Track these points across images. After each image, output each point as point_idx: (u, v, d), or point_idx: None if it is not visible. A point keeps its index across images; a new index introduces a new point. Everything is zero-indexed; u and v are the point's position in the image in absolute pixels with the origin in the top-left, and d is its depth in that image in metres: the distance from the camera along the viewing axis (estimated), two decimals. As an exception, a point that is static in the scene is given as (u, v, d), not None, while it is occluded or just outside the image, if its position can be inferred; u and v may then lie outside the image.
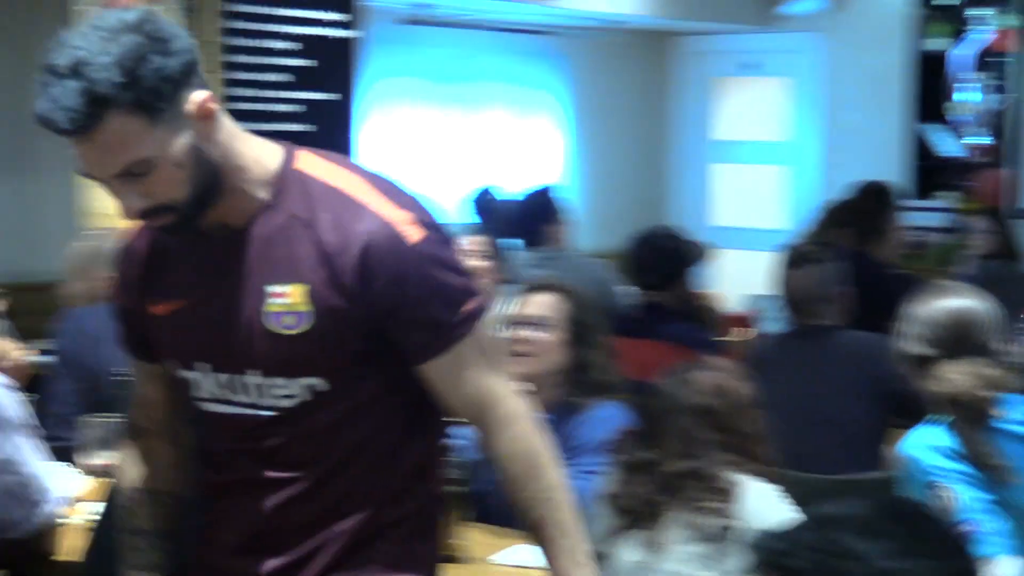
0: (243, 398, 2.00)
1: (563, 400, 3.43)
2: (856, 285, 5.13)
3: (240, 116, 4.88)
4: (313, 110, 5.27)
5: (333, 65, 5.33)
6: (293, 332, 1.94)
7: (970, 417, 2.92)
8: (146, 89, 1.80)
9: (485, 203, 7.26)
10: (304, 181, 1.98)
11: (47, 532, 3.02)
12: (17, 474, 3.00)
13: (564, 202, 6.14)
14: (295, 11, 5.23)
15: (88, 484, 3.47)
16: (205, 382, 2.02)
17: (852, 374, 4.12)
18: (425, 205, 2.00)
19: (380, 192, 1.98)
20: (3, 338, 3.44)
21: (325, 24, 5.31)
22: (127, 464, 2.18)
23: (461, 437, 2.35)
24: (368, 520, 2.02)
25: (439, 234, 1.98)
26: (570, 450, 3.08)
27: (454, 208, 7.53)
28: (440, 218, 2.01)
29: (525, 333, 3.52)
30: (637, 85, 9.44)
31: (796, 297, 4.36)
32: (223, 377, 2.00)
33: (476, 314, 2.00)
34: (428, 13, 7.72)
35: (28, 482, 3.02)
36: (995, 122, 8.29)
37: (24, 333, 5.73)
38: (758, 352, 4.51)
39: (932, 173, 8.46)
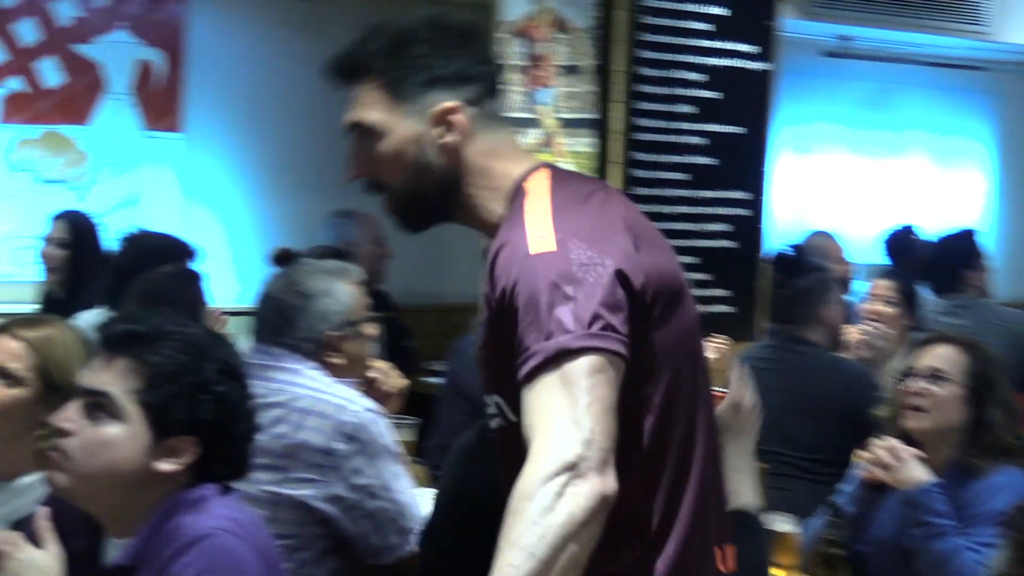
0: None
1: (958, 461, 3.22)
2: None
3: (646, 147, 4.97)
4: (721, 143, 5.19)
5: (744, 98, 5.24)
6: (478, 345, 1.97)
7: None
8: (398, 70, 1.96)
9: (900, 243, 6.99)
10: (520, 197, 1.91)
11: (413, 559, 3.06)
12: (390, 501, 3.05)
13: (985, 247, 5.80)
14: (708, 42, 5.17)
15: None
16: None
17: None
18: (593, 231, 1.82)
19: (550, 206, 1.86)
20: (382, 362, 3.51)
21: (739, 55, 5.23)
22: None
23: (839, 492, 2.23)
24: None
25: (573, 257, 1.76)
26: (965, 519, 2.90)
27: (869, 248, 7.31)
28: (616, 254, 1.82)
29: (920, 385, 3.34)
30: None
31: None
32: None
33: (558, 354, 1.69)
34: (848, 46, 7.54)
35: (401, 510, 3.07)
36: None
37: (426, 355, 5.96)
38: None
39: None
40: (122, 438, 2.15)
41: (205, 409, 2.19)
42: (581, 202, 1.87)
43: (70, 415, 2.17)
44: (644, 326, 1.82)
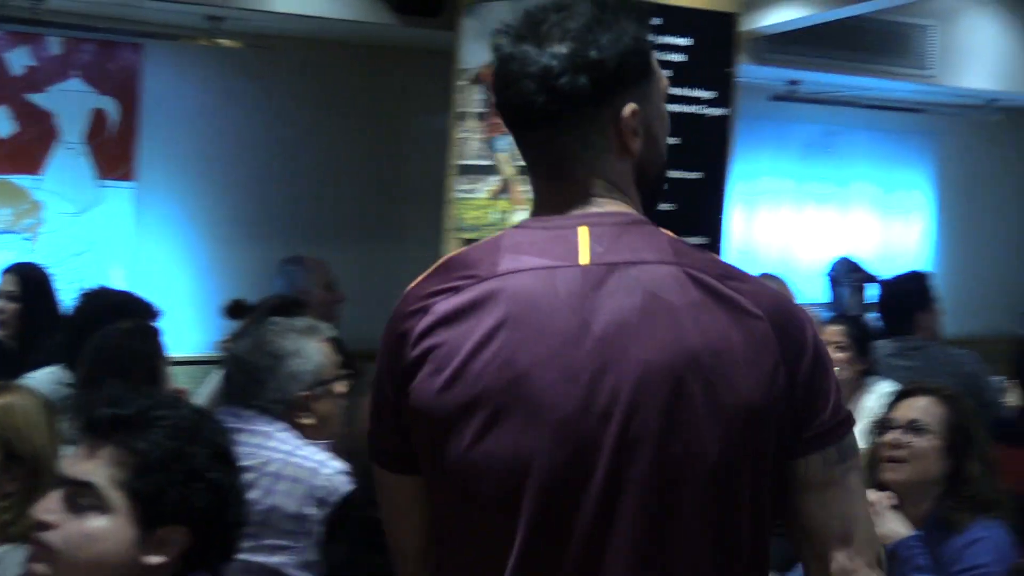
0: None
1: (938, 515, 3.19)
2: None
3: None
4: (679, 189, 5.18)
5: (702, 143, 5.24)
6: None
7: None
8: None
9: (841, 273, 7.02)
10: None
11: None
12: None
13: (935, 288, 5.81)
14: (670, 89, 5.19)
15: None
16: None
17: None
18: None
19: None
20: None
21: (697, 101, 5.23)
22: None
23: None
24: None
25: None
26: (948, 575, 2.88)
27: (816, 288, 7.34)
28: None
29: (898, 437, 3.30)
30: (1013, 165, 9.03)
31: None
32: None
33: None
34: (795, 90, 7.60)
35: None
36: None
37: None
38: None
39: None
40: (108, 531, 2.02)
41: (197, 497, 2.06)
42: None
43: (51, 506, 2.04)
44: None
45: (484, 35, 5.18)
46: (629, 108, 1.80)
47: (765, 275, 6.53)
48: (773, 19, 6.39)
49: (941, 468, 3.26)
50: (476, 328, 1.73)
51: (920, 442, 3.28)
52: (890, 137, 8.47)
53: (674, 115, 5.14)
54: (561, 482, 1.69)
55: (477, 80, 5.21)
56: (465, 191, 5.26)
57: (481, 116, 5.20)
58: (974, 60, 7.83)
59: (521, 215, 4.95)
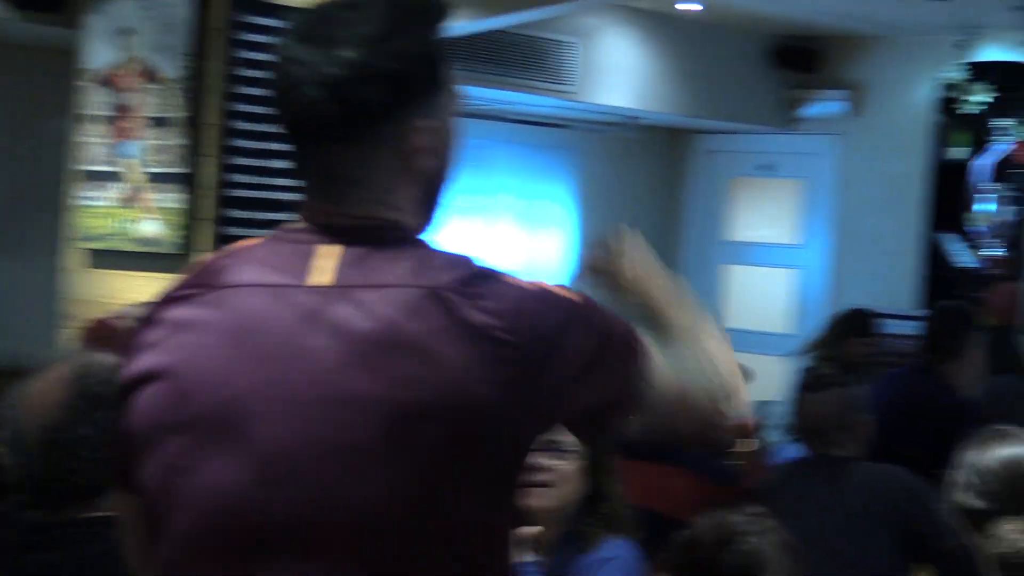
0: None
1: (569, 532, 3.10)
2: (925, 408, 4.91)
3: (238, 204, 4.76)
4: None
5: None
6: None
7: None
8: None
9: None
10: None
11: None
12: None
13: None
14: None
15: None
16: None
17: (869, 510, 3.82)
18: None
19: None
20: None
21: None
22: None
23: None
24: None
25: None
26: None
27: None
28: None
29: (543, 460, 3.07)
30: (650, 181, 9.29)
31: (813, 424, 4.09)
32: None
33: None
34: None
35: None
36: (1011, 234, 8.10)
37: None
38: (770, 482, 4.23)
39: (946, 284, 8.26)
40: None
41: None
42: None
43: None
44: None
45: (110, 34, 4.92)
46: (419, 123, 1.64)
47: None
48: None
49: (583, 488, 3.18)
50: (195, 343, 1.58)
51: (563, 464, 3.18)
52: (534, 151, 8.56)
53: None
54: (255, 525, 1.54)
55: (105, 81, 4.94)
56: (88, 198, 4.98)
57: (107, 120, 4.93)
58: (614, 78, 8.00)
59: (151, 225, 4.71)
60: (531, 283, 1.65)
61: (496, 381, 1.55)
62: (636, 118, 8.62)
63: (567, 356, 1.60)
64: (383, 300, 1.56)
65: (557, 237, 8.76)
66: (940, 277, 8.27)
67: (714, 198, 9.38)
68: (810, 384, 4.20)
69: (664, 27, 8.21)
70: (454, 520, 1.57)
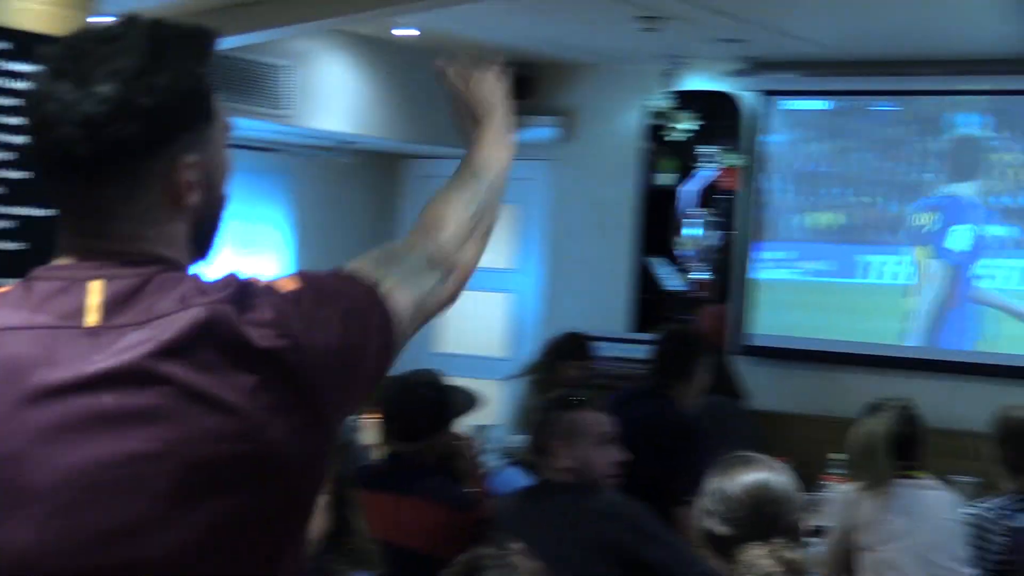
0: None
1: (315, 569, 3.06)
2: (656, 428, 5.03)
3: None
4: (31, 226, 4.84)
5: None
6: None
7: None
8: None
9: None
10: None
11: None
12: None
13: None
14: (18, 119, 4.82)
15: None
16: None
17: (601, 538, 3.87)
18: None
19: None
20: None
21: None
22: None
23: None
24: None
25: None
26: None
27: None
28: None
29: None
30: (366, 205, 9.27)
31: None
32: None
33: None
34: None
35: None
36: (716, 258, 8.40)
37: None
38: (503, 509, 4.23)
39: (657, 307, 8.50)
40: None
41: None
42: None
43: None
44: None
45: None
46: (186, 159, 1.57)
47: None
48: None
49: (326, 524, 3.13)
50: None
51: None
52: (249, 175, 8.43)
53: (19, 147, 4.85)
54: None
55: None
56: None
57: None
58: (330, 102, 7.96)
59: None
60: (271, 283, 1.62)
61: (280, 410, 1.52)
62: (352, 142, 8.59)
63: (332, 350, 1.59)
64: (149, 338, 1.50)
65: (273, 260, 8.65)
66: (651, 300, 8.50)
67: (429, 223, 9.41)
68: (550, 408, 4.24)
69: (381, 52, 8.21)
70: (248, 561, 1.53)
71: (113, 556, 1.47)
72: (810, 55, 7.81)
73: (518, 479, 6.49)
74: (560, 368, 7.51)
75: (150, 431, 1.47)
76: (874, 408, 4.99)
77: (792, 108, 8.28)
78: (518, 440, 6.80)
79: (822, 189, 8.17)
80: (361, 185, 9.24)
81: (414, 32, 7.85)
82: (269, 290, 1.59)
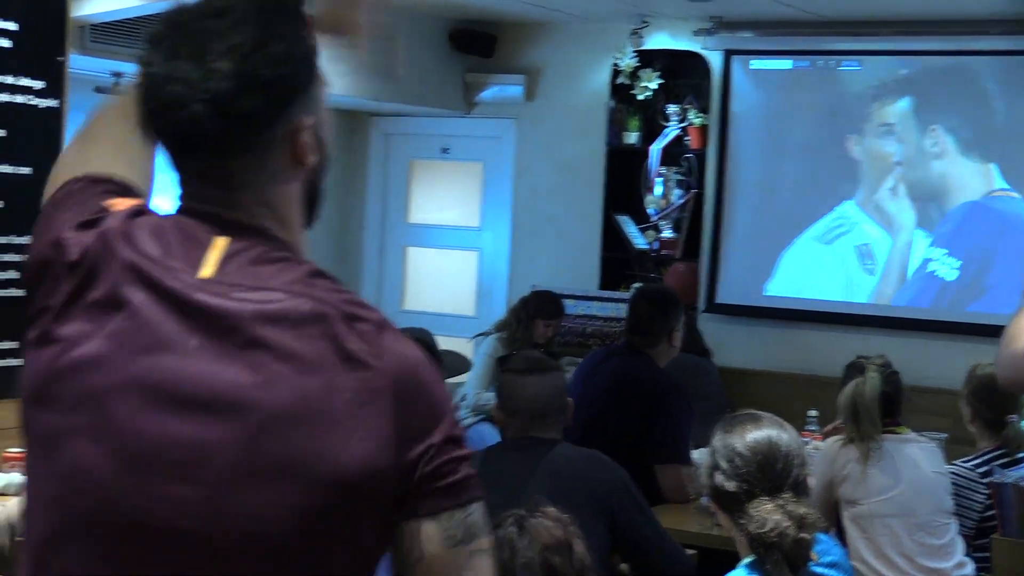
0: None
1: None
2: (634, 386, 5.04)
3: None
4: (6, 185, 4.78)
5: (31, 136, 4.85)
6: None
7: (783, 560, 2.77)
8: None
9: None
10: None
11: None
12: None
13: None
14: (-9, 76, 4.75)
15: None
16: None
17: (578, 495, 3.82)
18: None
19: None
20: None
21: (22, 91, 4.84)
22: None
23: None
24: None
25: None
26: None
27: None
28: None
29: None
30: (331, 163, 9.18)
31: (527, 406, 4.13)
32: None
33: None
34: (120, 81, 7.31)
35: None
36: (681, 216, 8.41)
37: None
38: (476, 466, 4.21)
39: (625, 265, 8.50)
40: None
41: None
42: None
43: None
44: None
45: None
46: (305, 121, 1.63)
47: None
48: (99, 7, 6.11)
49: None
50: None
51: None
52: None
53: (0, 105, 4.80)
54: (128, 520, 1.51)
55: None
56: None
57: None
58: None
59: None
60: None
61: (364, 417, 1.54)
62: (317, 100, 8.51)
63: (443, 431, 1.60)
64: (266, 303, 1.54)
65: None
66: (619, 259, 8.51)
67: (394, 180, 9.39)
68: (521, 367, 4.24)
69: (347, 9, 8.12)
70: (350, 545, 1.54)
71: (174, 488, 1.51)
72: (777, 15, 7.81)
73: (489, 436, 6.51)
74: (530, 326, 7.52)
75: (248, 382, 1.51)
76: (855, 367, 5.02)
77: (759, 68, 8.28)
78: (487, 398, 6.82)
79: (788, 147, 8.18)
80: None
81: (381, -12, 7.77)
82: (381, 323, 1.59)
